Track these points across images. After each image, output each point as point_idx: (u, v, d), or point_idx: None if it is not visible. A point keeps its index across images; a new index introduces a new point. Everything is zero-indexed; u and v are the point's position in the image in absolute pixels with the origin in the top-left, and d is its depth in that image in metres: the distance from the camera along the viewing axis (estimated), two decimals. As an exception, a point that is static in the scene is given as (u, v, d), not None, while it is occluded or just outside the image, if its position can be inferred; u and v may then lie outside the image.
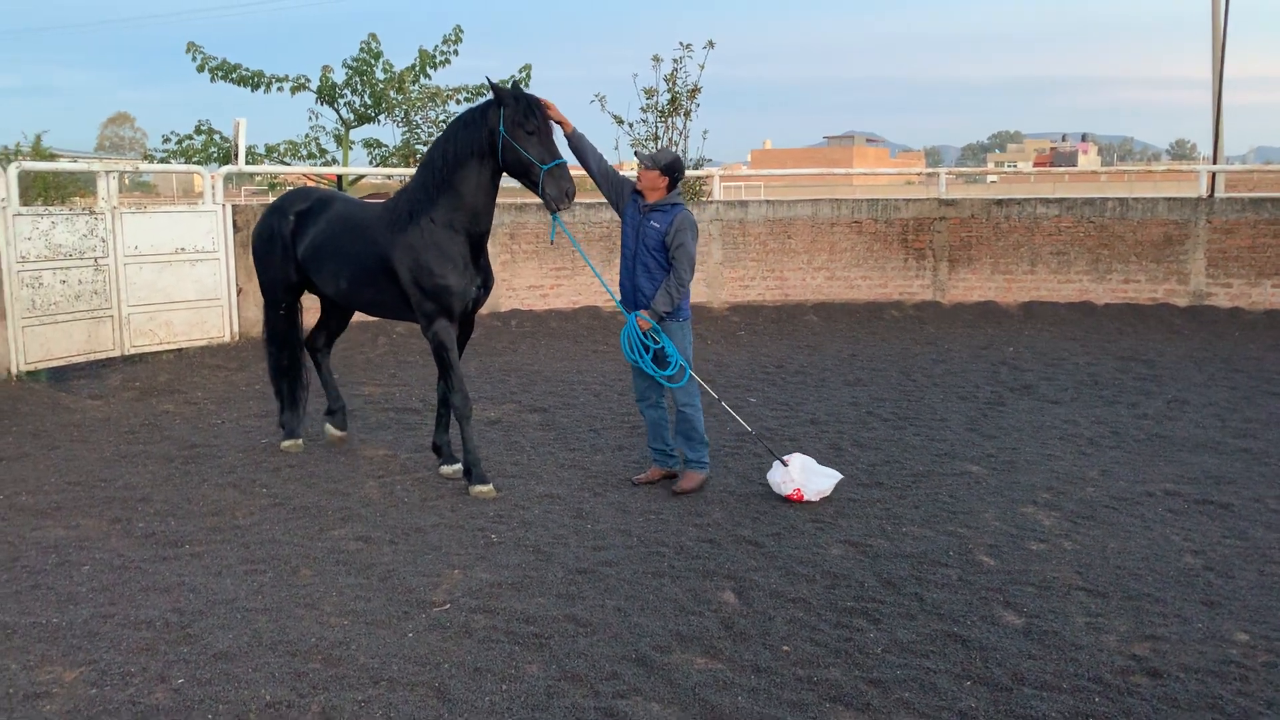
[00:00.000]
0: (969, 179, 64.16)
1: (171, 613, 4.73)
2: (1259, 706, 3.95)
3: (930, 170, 16.51)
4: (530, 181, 6.35)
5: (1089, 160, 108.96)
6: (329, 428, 7.89)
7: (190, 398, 9.32)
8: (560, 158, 6.31)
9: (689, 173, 15.59)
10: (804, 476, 6.47)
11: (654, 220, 6.52)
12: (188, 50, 16.14)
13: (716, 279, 14.40)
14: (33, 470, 7.01)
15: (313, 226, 7.25)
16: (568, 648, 4.42)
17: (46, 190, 25.45)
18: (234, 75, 16.09)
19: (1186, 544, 5.70)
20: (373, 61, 16.64)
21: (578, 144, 6.73)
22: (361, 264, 6.91)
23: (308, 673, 4.17)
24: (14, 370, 9.22)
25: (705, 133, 19.90)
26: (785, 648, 4.44)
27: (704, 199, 15.22)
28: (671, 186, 6.57)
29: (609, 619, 4.71)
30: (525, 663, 4.28)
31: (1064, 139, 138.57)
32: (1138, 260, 14.20)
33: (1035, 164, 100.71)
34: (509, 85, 6.52)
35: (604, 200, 7.27)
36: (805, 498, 6.40)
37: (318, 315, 8.02)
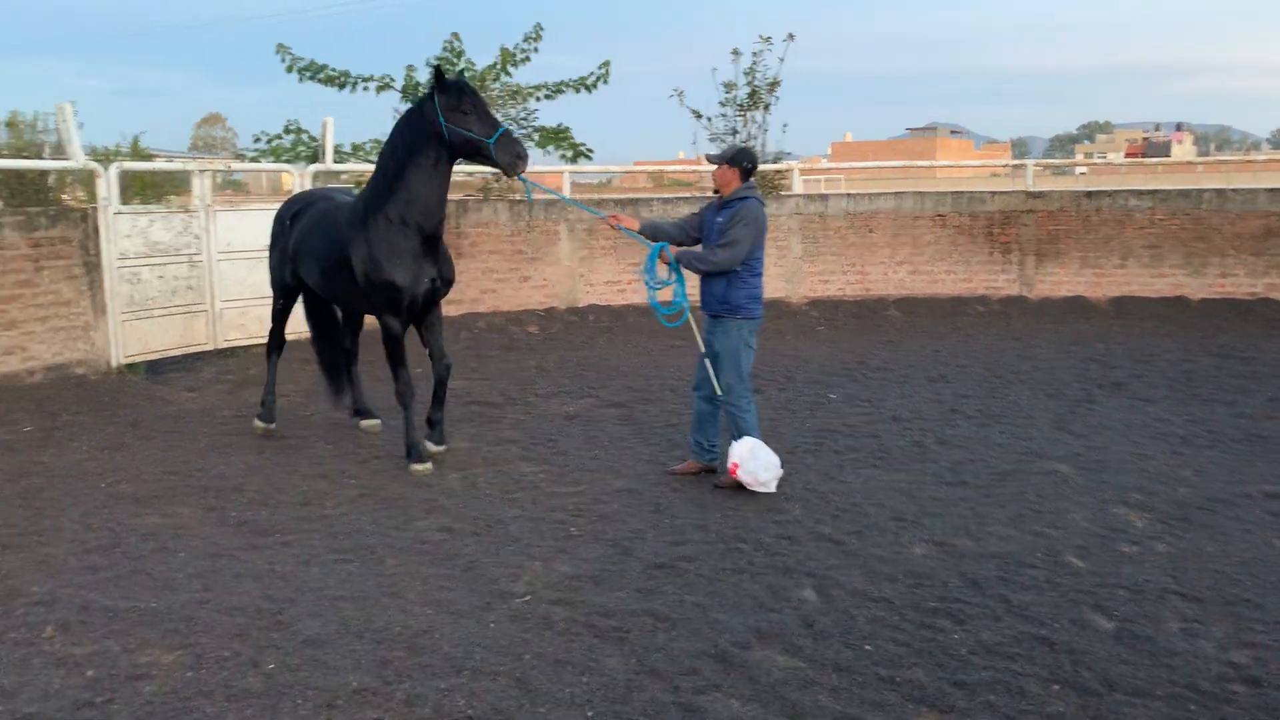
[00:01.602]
0: (1057, 171, 62.55)
1: (263, 599, 4.87)
2: (1367, 719, 3.79)
3: (1016, 162, 16.15)
4: (484, 158, 6.55)
5: (1183, 150, 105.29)
6: (366, 424, 8.20)
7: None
8: (502, 127, 6.52)
9: (767, 167, 15.49)
10: (747, 454, 6.43)
11: (721, 215, 6.56)
12: (277, 51, 16.50)
13: (796, 273, 14.29)
14: (132, 460, 7.28)
15: (300, 224, 7.66)
16: (647, 642, 4.43)
17: (144, 189, 26.34)
18: (321, 75, 16.42)
19: (1288, 548, 5.48)
20: (455, 60, 16.85)
21: (654, 228, 6.91)
22: (330, 259, 7.23)
23: (393, 660, 4.26)
24: (114, 363, 9.57)
25: (785, 126, 19.74)
26: (867, 646, 4.39)
27: (783, 193, 15.10)
28: (745, 177, 6.59)
29: (688, 614, 4.71)
30: (605, 656, 4.31)
31: (1157, 129, 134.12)
32: (1235, 254, 13.69)
33: (1126, 155, 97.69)
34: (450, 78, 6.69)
35: (679, 196, 7.42)
36: (740, 477, 6.39)
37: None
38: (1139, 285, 13.97)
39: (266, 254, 8.39)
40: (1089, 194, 14.36)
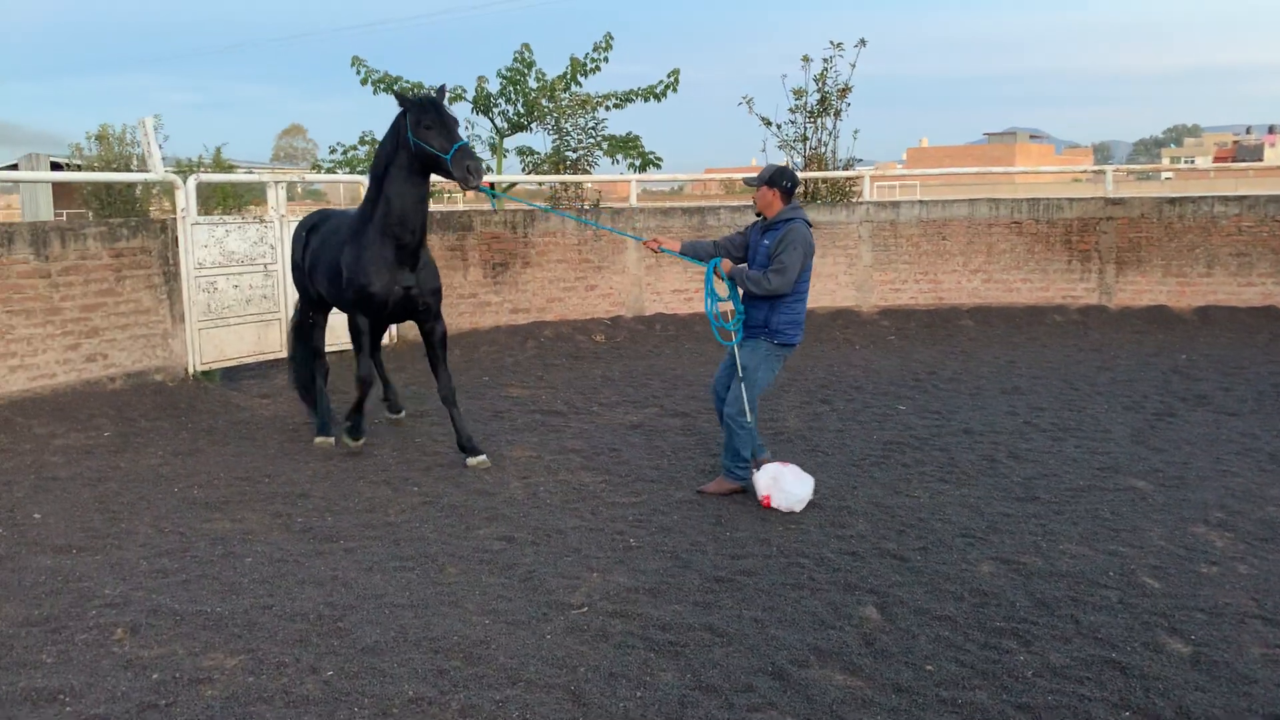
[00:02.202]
0: (1140, 176, 60.85)
1: (324, 606, 4.93)
2: None
3: (1097, 168, 15.71)
4: (443, 171, 6.87)
5: (1277, 154, 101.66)
6: (389, 415, 8.77)
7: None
8: (460, 141, 6.83)
9: (838, 174, 15.32)
10: (772, 484, 6.32)
11: (767, 238, 6.52)
12: (352, 64, 16.85)
13: (866, 282, 14.09)
14: (204, 465, 7.45)
15: (314, 240, 8.18)
16: (703, 657, 4.38)
17: (225, 200, 27.13)
18: (395, 87, 16.72)
19: (1382, 572, 5.22)
20: (525, 71, 17.00)
21: (694, 248, 6.92)
22: (331, 267, 7.72)
23: (449, 670, 4.27)
24: (191, 370, 9.82)
25: (856, 132, 19.53)
26: (929, 667, 4.28)
27: (854, 200, 14.92)
28: (787, 197, 6.53)
29: (746, 630, 4.65)
30: (660, 670, 4.27)
31: (1248, 131, 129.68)
32: (1330, 261, 13.14)
33: (1215, 159, 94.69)
34: (436, 93, 7.06)
35: (746, 204, 7.37)
36: (777, 506, 6.28)
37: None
38: (1225, 294, 13.49)
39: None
40: (1172, 200, 13.91)
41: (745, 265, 6.62)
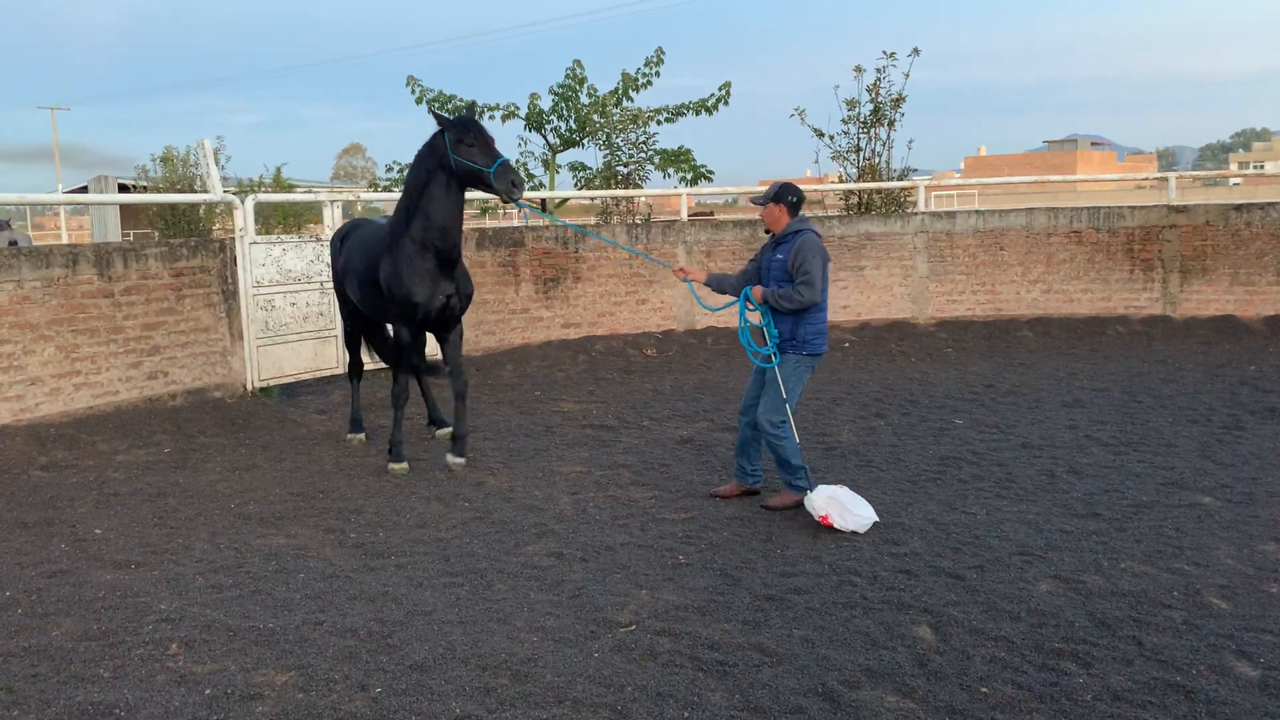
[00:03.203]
0: (1207, 183, 59.44)
1: (374, 622, 4.95)
2: None
3: (1160, 175, 15.36)
4: (485, 185, 7.24)
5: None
6: (350, 436, 8.81)
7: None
8: (501, 158, 7.17)
9: (892, 185, 15.17)
10: (830, 505, 6.19)
11: (779, 252, 6.58)
12: (407, 83, 17.11)
13: (922, 293, 13.91)
14: (260, 481, 7.55)
15: (346, 248, 8.50)
16: (752, 677, 4.32)
17: (286, 218, 27.64)
18: (449, 106, 16.92)
19: None
20: (577, 87, 17.13)
21: (719, 281, 6.97)
22: (367, 276, 8.03)
23: (496, 688, 4.26)
24: (249, 387, 9.99)
25: (910, 142, 19.38)
26: (984, 689, 4.17)
27: (909, 210, 14.75)
28: (794, 212, 6.64)
29: (796, 649, 4.57)
30: (708, 690, 4.21)
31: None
32: (1407, 268, 12.68)
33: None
34: (467, 111, 7.70)
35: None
36: (833, 524, 6.14)
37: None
38: (1296, 303, 13.08)
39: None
40: (1238, 207, 13.55)
41: (775, 292, 6.56)
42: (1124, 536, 5.94)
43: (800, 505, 6.52)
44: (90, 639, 4.79)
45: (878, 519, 6.21)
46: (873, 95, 15.41)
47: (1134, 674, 4.28)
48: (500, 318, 12.50)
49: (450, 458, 7.85)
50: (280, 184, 27.06)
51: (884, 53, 15.17)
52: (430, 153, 7.46)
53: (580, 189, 17.68)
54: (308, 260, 10.56)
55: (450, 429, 8.75)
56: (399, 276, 7.57)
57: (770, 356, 6.62)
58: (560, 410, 9.76)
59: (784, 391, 6.53)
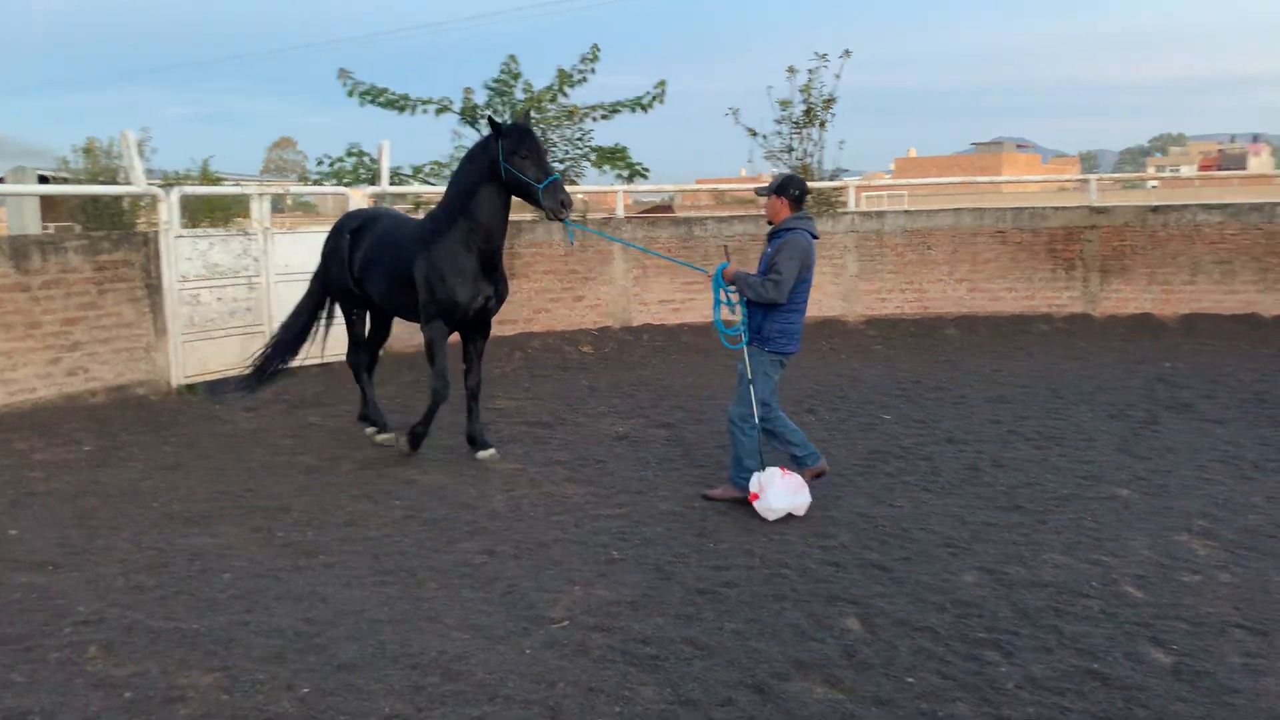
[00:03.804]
0: (1127, 185, 61.17)
1: (302, 621, 4.88)
2: None
3: (1081, 177, 15.77)
4: (532, 200, 7.23)
5: (1261, 163, 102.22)
6: (370, 431, 8.52)
7: (334, 410, 9.68)
8: (554, 175, 7.15)
9: (824, 185, 15.35)
10: (761, 485, 6.33)
11: (770, 246, 6.59)
12: (339, 76, 16.84)
13: (852, 292, 14.10)
14: (186, 480, 7.39)
15: (365, 241, 8.23)
16: (684, 671, 4.35)
17: (213, 212, 27.04)
18: (381, 99, 16.71)
19: (1363, 580, 5.21)
20: (512, 82, 17.01)
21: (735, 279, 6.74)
22: (396, 273, 7.86)
23: (426, 686, 4.23)
24: (174, 384, 9.76)
25: (841, 143, 19.62)
26: (910, 679, 4.26)
27: (839, 210, 14.94)
28: (795, 205, 6.58)
29: (727, 642, 4.62)
30: (640, 685, 4.24)
31: (1232, 140, 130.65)
32: (1313, 269, 13.19)
33: (1200, 168, 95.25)
34: (523, 117, 7.52)
35: (734, 214, 7.52)
36: (756, 505, 6.31)
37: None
38: (1210, 302, 13.54)
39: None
40: (1155, 209, 13.97)
41: (746, 279, 6.59)
42: (1045, 528, 6.10)
43: (740, 501, 6.58)
44: (5, 643, 4.64)
45: (790, 510, 6.28)
46: (805, 96, 15.58)
47: (1054, 662, 4.40)
48: (433, 314, 12.37)
49: (480, 454, 7.82)
50: (207, 177, 26.45)
51: (816, 54, 15.35)
52: (483, 154, 7.39)
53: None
54: (235, 254, 10.35)
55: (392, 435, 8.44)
56: (442, 276, 7.50)
57: (737, 338, 6.65)
58: (495, 407, 9.70)
59: (752, 386, 6.54)
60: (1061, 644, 4.57)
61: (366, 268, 8.17)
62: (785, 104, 15.68)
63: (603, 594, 5.20)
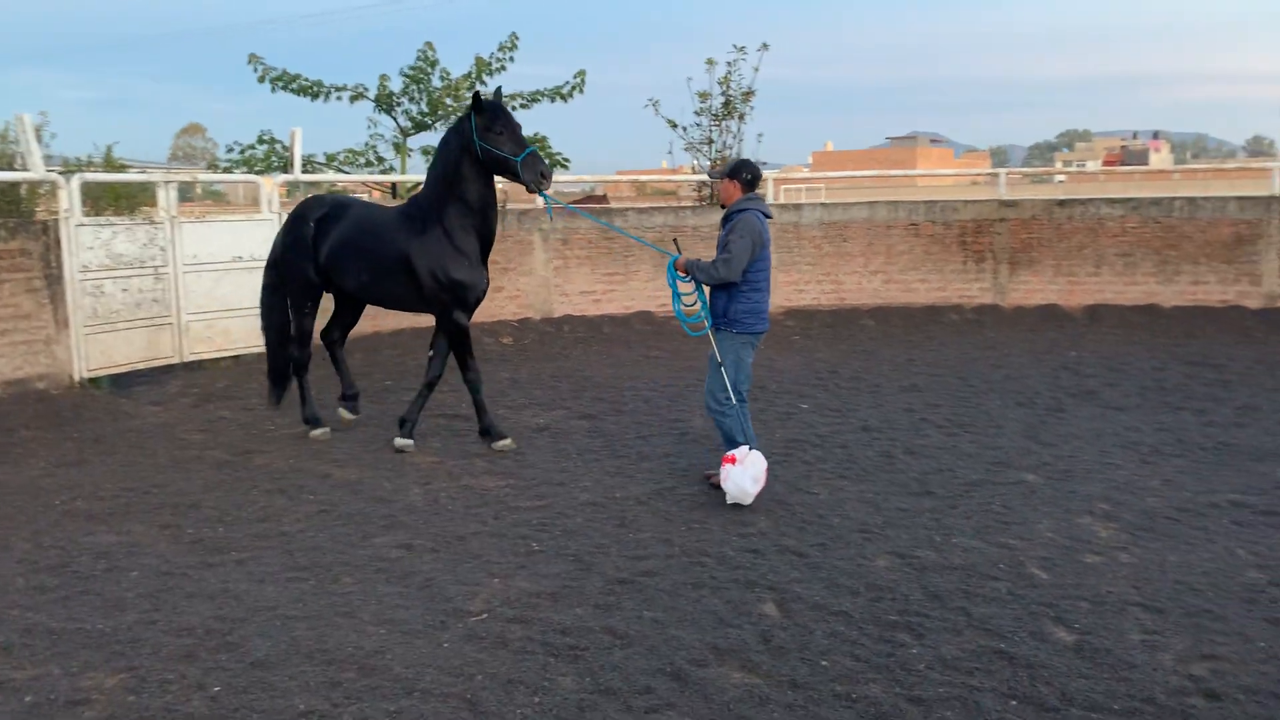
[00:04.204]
0: (1036, 179, 62.92)
1: (213, 619, 4.77)
2: (1324, 732, 3.76)
3: (991, 171, 16.17)
4: (511, 174, 7.24)
5: (1161, 159, 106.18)
6: (343, 412, 8.50)
7: (246, 404, 9.46)
8: (530, 148, 7.19)
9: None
10: (741, 457, 6.40)
11: (724, 228, 6.68)
12: (249, 61, 16.42)
13: (770, 283, 14.23)
14: (89, 476, 7.16)
15: (334, 229, 7.95)
16: (603, 660, 4.36)
17: (118, 200, 26.15)
18: (293, 85, 16.35)
19: (1251, 558, 5.46)
20: (429, 70, 16.79)
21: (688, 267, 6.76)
22: (382, 261, 7.71)
23: (342, 682, 4.17)
24: (76, 377, 9.43)
25: (760, 136, 19.76)
26: (824, 662, 4.34)
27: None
28: (747, 188, 6.68)
29: (646, 631, 4.65)
30: (559, 675, 4.24)
31: (1134, 137, 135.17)
32: (1207, 261, 13.74)
33: (1104, 163, 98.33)
34: (495, 96, 7.50)
35: (654, 205, 7.62)
36: (727, 470, 6.36)
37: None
38: (1112, 293, 14.00)
39: (275, 258, 8.44)
40: (1061, 202, 14.39)
41: (698, 263, 6.68)
42: (955, 513, 6.25)
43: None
44: (-105, 648, 4.45)
45: (739, 497, 6.35)
46: (724, 88, 15.65)
47: (963, 643, 4.52)
48: (349, 305, 12.17)
49: (497, 443, 7.84)
50: (111, 164, 25.56)
51: (734, 46, 15.43)
52: (456, 137, 7.40)
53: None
54: (140, 244, 10.03)
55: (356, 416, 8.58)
56: (445, 264, 7.48)
57: (700, 325, 6.73)
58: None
59: (724, 370, 6.61)
60: (970, 625, 4.69)
61: (338, 257, 7.90)
62: (704, 96, 15.73)
63: (522, 586, 5.18)
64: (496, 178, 7.56)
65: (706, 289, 6.74)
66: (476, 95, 7.30)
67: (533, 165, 7.11)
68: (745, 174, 6.65)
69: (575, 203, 24.55)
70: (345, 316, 8.67)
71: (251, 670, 4.27)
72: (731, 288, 6.54)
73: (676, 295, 6.92)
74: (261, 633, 4.63)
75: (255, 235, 11.16)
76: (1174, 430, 8.20)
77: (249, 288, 11.03)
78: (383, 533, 5.99)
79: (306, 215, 8.16)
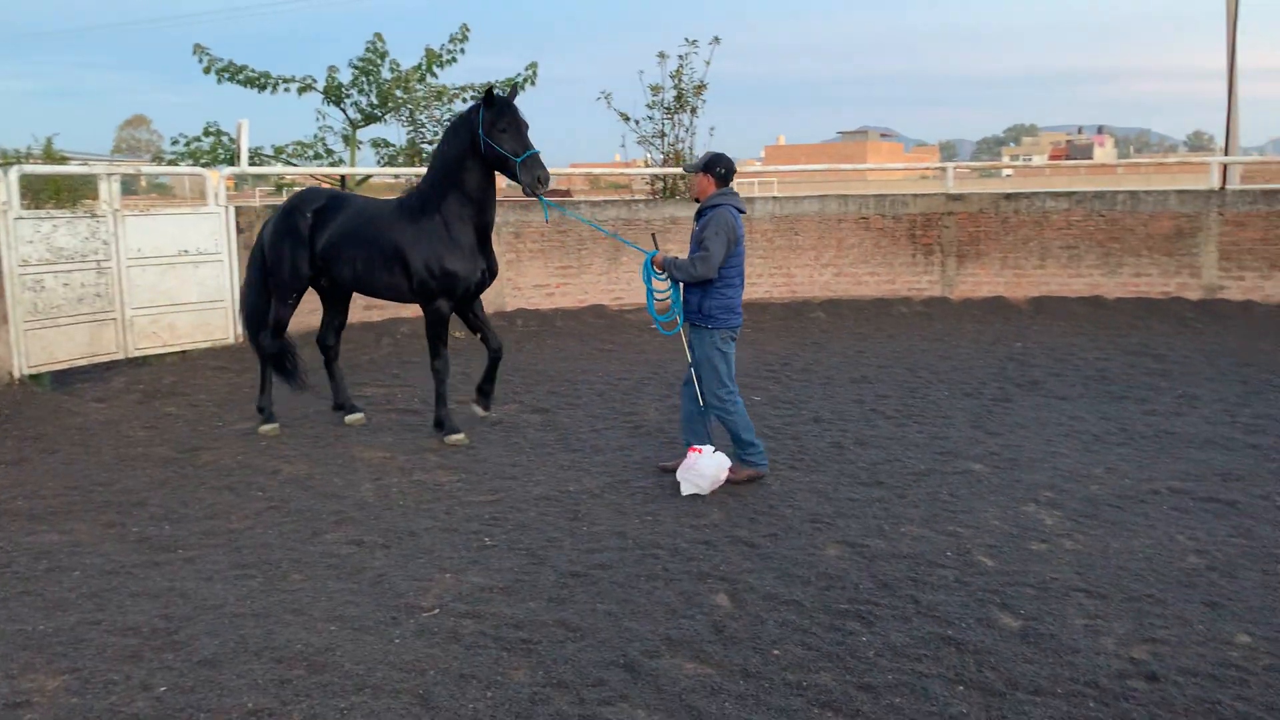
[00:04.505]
0: (984, 173, 63.75)
1: (159, 619, 4.70)
2: (1258, 711, 3.87)
3: (940, 165, 16.35)
4: (510, 173, 7.23)
5: (1105, 153, 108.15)
6: (350, 418, 8.48)
7: (193, 400, 9.32)
8: (532, 149, 7.15)
9: (676, 170, 15.50)
10: (703, 452, 6.55)
11: (697, 223, 6.70)
12: (194, 52, 16.13)
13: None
14: (31, 474, 7.01)
15: (332, 222, 8.00)
16: (556, 653, 4.37)
17: (59, 193, 25.59)
18: (240, 77, 16.08)
19: (1190, 543, 5.60)
20: (379, 61, 16.61)
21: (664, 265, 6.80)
22: (378, 253, 7.77)
23: (292, 680, 4.13)
24: (17, 374, 9.23)
25: (712, 129, 19.89)
26: (775, 651, 4.38)
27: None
28: (721, 183, 6.70)
29: (599, 623, 4.65)
30: (512, 669, 4.23)
31: (1079, 132, 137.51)
32: (1149, 254, 14.04)
33: (1050, 157, 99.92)
34: (504, 90, 7.29)
35: (608, 199, 7.71)
36: (688, 462, 6.50)
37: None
38: (1057, 285, 14.25)
39: (267, 254, 8.34)
40: (1008, 196, 14.61)
41: (675, 261, 6.69)
42: (904, 502, 6.33)
43: (757, 479, 6.70)
44: None
45: (694, 486, 6.45)
46: (676, 81, 15.68)
47: (911, 630, 4.58)
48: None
49: (478, 408, 8.21)
50: (51, 156, 25.00)
51: (686, 40, 15.46)
52: (464, 127, 7.40)
53: (384, 165, 17.20)
54: (82, 238, 9.83)
55: (360, 414, 8.55)
56: (439, 254, 7.53)
57: (671, 324, 6.77)
58: (363, 395, 9.50)
59: (700, 366, 6.67)
60: (919, 612, 4.76)
61: (336, 248, 7.94)
62: (656, 89, 15.75)
63: (475, 580, 5.16)
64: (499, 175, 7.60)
65: (682, 285, 6.76)
66: (489, 91, 7.32)
67: (531, 167, 7.13)
68: (719, 168, 6.67)
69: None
70: (335, 317, 8.71)
71: (198, 669, 4.22)
72: (706, 284, 6.57)
73: (650, 292, 6.92)
74: (209, 631, 4.57)
75: (201, 229, 10.99)
76: (1116, 419, 8.37)
77: (194, 282, 10.88)
78: (333, 529, 5.94)
79: (302, 207, 8.19)
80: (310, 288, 8.42)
